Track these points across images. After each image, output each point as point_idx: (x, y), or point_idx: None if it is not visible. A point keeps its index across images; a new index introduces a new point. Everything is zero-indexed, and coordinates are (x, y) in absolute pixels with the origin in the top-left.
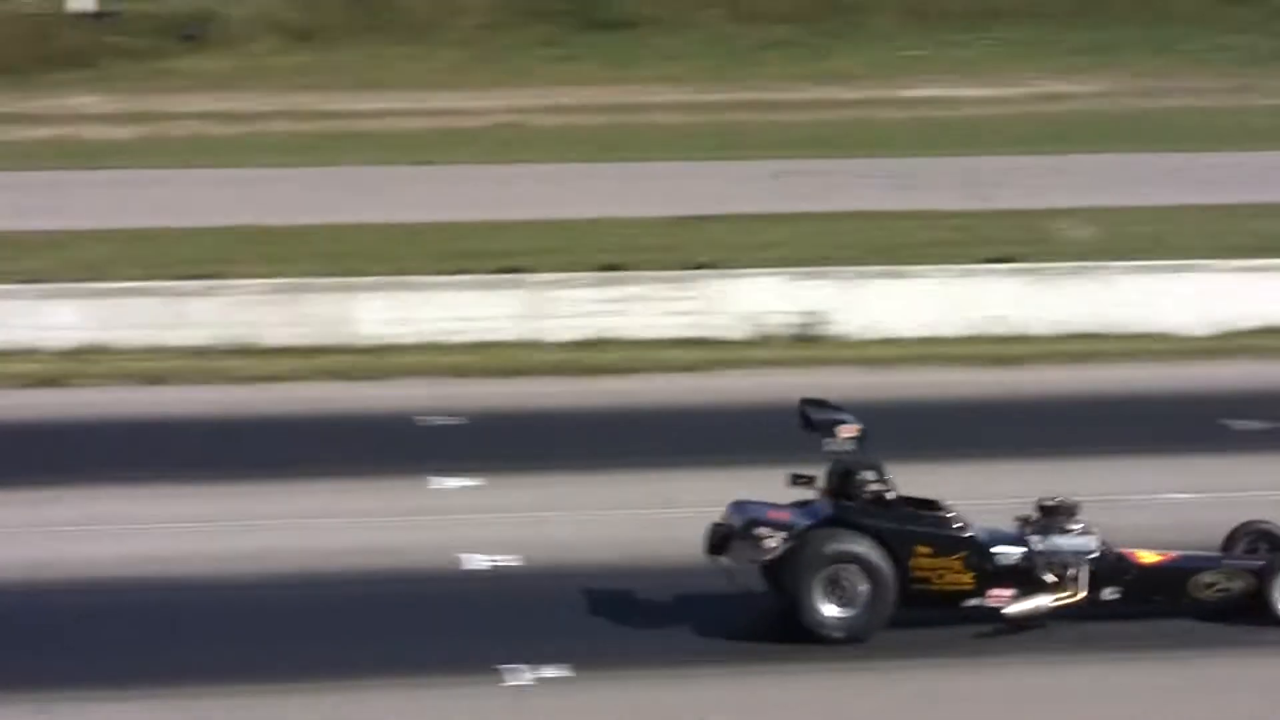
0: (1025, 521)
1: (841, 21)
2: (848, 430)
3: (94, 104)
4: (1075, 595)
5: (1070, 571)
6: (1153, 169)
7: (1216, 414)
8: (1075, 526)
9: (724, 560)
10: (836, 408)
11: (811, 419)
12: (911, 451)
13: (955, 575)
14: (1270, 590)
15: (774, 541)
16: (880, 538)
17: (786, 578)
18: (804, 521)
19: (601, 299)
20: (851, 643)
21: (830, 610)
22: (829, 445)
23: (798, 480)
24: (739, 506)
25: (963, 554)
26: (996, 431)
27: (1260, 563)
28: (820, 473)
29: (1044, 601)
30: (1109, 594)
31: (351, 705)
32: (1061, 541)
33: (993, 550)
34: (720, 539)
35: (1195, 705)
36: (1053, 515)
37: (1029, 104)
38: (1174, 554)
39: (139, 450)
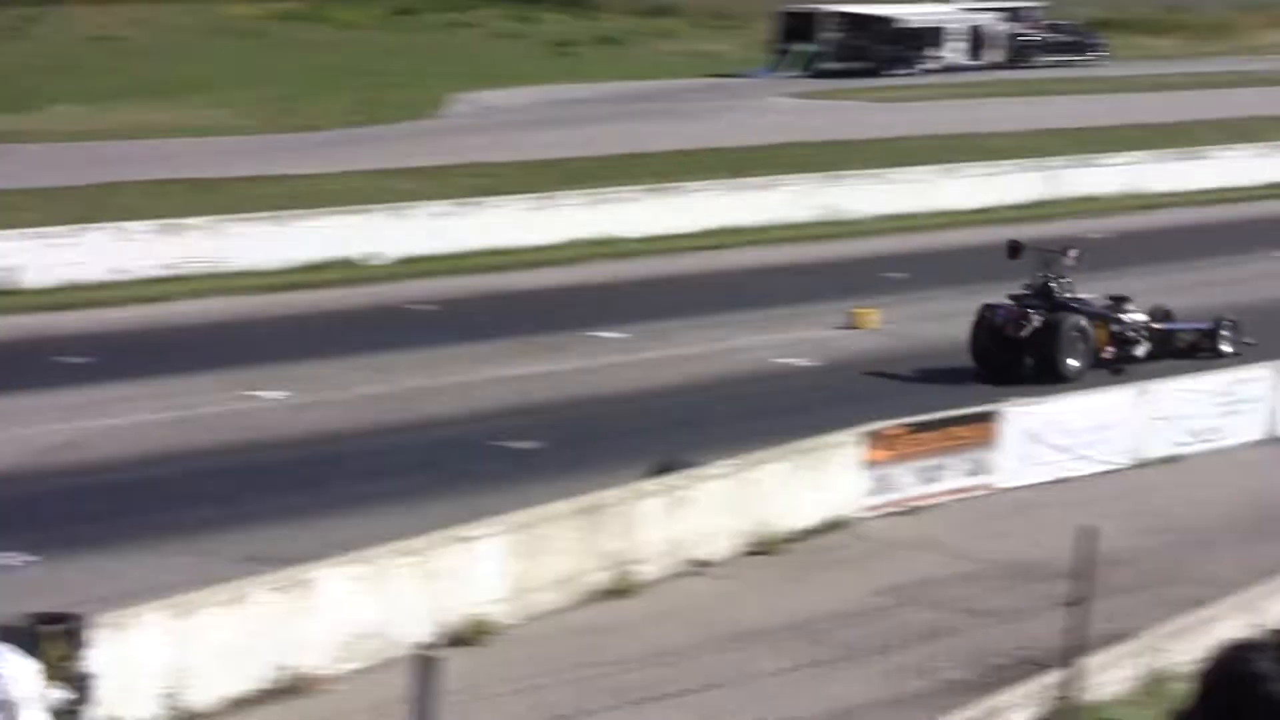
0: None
1: None
2: (1074, 252)
3: None
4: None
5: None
6: None
7: None
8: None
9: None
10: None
11: (1034, 248)
12: None
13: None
14: (1216, 340)
15: (1038, 319)
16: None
17: (1045, 342)
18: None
19: None
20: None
21: (1072, 361)
22: (1064, 261)
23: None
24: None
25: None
26: None
27: (1208, 325)
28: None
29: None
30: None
31: None
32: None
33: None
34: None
35: None
36: (1124, 302)
37: None
38: (1164, 325)
39: None
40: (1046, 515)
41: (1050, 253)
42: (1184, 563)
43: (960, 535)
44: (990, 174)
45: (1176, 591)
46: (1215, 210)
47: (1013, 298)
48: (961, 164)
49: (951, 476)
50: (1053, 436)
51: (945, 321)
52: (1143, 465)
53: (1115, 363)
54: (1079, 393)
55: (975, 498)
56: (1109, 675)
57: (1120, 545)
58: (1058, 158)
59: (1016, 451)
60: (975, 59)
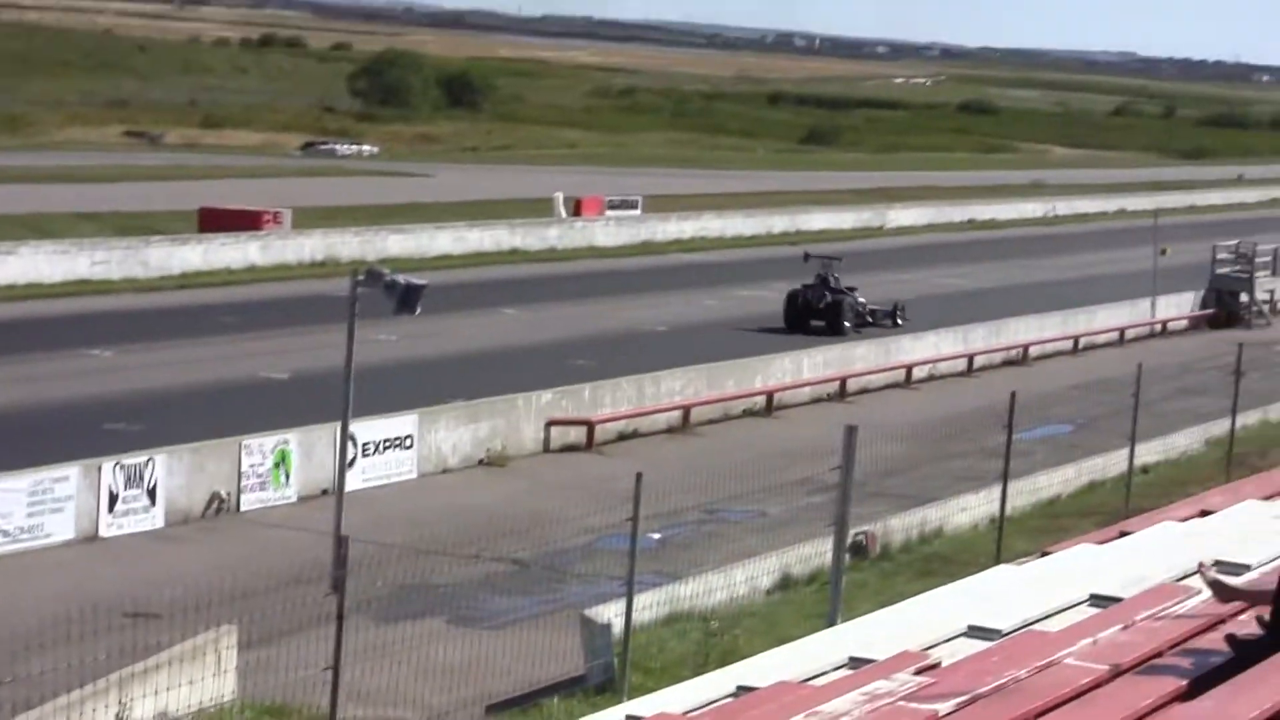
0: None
1: None
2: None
3: None
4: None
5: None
6: None
7: None
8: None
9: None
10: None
11: (813, 255)
12: None
13: None
14: (895, 317)
15: (830, 297)
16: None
17: (833, 311)
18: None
19: None
20: None
21: (847, 324)
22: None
23: (809, 257)
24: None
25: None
26: None
27: (889, 307)
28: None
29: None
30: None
31: None
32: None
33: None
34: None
35: None
36: (855, 291)
37: None
38: (873, 305)
39: None
40: None
41: (829, 259)
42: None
43: None
44: None
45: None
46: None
47: (806, 286)
48: None
49: None
50: None
51: None
52: None
53: (861, 325)
54: None
55: None
56: None
57: None
58: None
59: None
60: None
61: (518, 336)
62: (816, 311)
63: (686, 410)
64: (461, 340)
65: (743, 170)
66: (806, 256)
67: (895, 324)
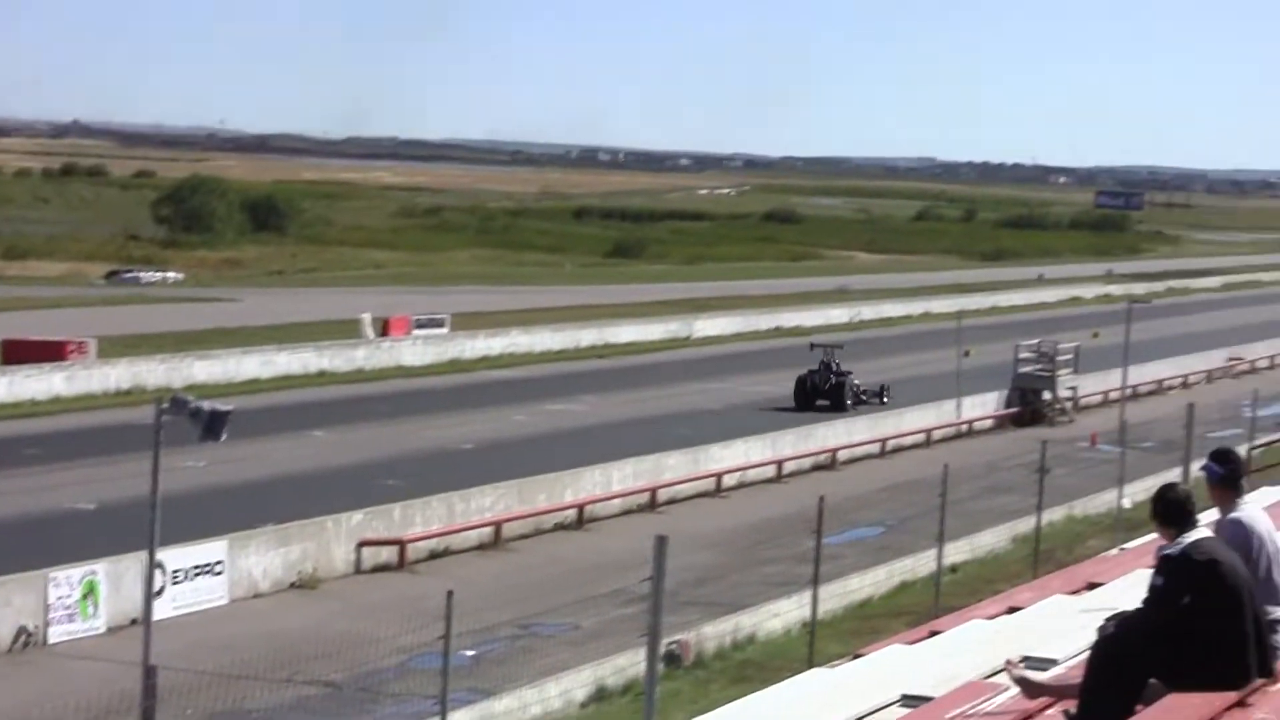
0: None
1: None
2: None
3: None
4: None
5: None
6: None
7: None
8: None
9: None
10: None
11: (817, 344)
12: None
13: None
14: (883, 396)
15: (834, 379)
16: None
17: (837, 391)
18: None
19: None
20: None
21: (849, 402)
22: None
23: (814, 346)
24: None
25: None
26: None
27: (878, 388)
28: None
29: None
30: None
31: None
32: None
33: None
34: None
35: None
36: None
37: None
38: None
39: None
40: None
41: (831, 347)
42: None
43: None
44: None
45: None
46: None
47: (812, 371)
48: None
49: None
50: None
51: None
52: None
53: (856, 404)
54: None
55: None
56: None
57: None
58: None
59: None
60: None
61: (327, 459)
62: (822, 392)
63: (498, 526)
64: (271, 464)
65: (550, 285)
66: (812, 346)
67: (882, 401)
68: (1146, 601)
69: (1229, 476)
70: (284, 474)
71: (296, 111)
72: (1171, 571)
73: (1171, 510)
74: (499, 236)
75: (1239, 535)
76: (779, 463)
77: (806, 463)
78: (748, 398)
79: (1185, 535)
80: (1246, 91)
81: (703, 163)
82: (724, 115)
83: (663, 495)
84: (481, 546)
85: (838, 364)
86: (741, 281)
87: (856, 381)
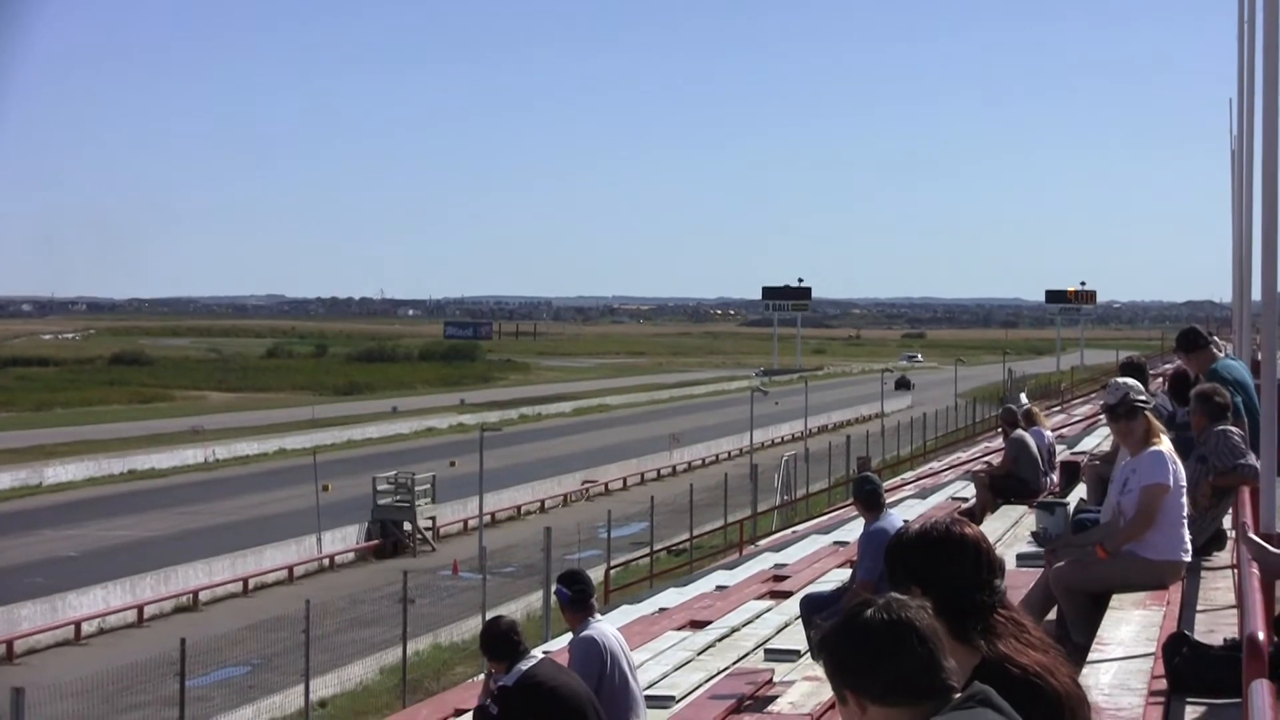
0: None
1: None
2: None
3: None
4: None
5: None
6: None
7: None
8: None
9: None
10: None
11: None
12: None
13: None
14: None
15: None
16: None
17: None
18: None
19: None
20: None
21: None
22: None
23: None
24: None
25: None
26: None
27: None
28: None
29: None
30: None
31: None
32: None
33: None
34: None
35: None
36: None
37: None
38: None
39: None
40: None
41: None
42: None
43: None
44: None
45: None
46: None
47: None
48: None
49: None
50: None
51: None
52: None
53: None
54: None
55: None
56: None
57: None
58: None
59: None
60: None
61: None
62: None
63: None
64: None
65: None
66: None
67: None
68: None
69: (577, 598)
70: None
71: None
72: (509, 702)
73: (497, 644)
74: None
75: (591, 652)
76: (140, 606)
77: (168, 605)
78: (105, 542)
79: (519, 663)
80: (564, 226)
81: (45, 307)
82: (64, 259)
83: (20, 646)
84: None
85: None
86: (92, 426)
87: None
